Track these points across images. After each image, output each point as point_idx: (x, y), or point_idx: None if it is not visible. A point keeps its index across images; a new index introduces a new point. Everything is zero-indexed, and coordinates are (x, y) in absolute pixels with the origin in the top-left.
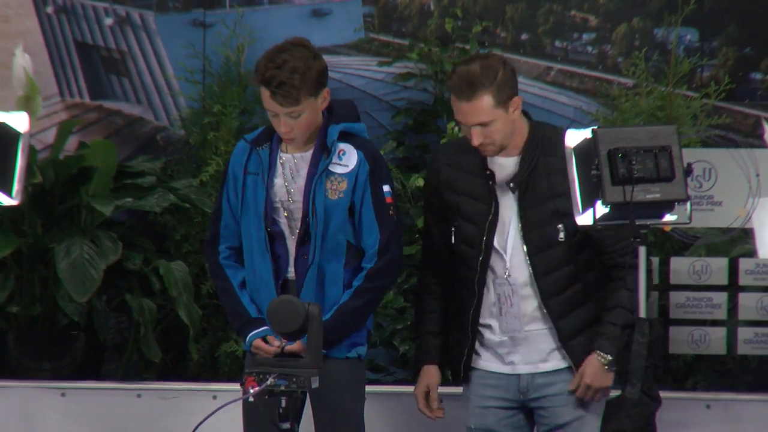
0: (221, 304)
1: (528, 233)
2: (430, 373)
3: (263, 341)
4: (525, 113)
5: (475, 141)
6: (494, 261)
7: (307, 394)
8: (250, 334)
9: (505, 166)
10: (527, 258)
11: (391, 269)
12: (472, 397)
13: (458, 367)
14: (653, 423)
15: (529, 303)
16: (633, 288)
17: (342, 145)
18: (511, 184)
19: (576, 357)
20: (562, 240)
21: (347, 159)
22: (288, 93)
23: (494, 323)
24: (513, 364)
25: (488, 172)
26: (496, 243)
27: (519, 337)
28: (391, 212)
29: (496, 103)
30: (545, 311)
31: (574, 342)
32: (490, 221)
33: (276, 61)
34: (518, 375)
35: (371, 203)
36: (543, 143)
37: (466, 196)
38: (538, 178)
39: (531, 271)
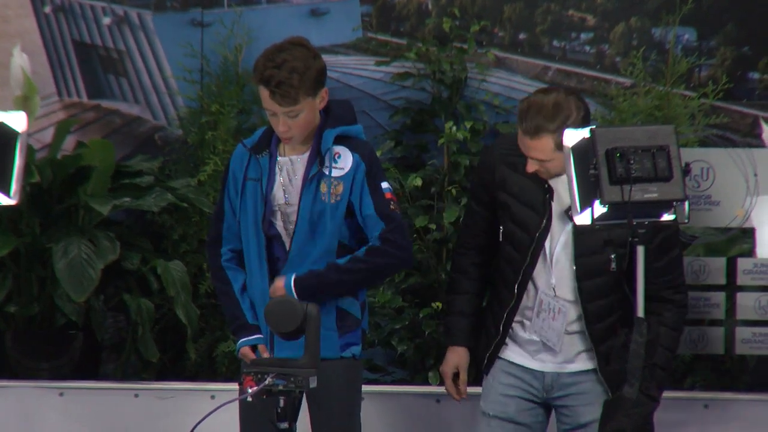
0: (220, 305)
1: (579, 257)
2: (460, 354)
3: (251, 350)
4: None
5: (530, 169)
6: (539, 271)
7: (304, 395)
8: (241, 340)
9: (563, 183)
10: (576, 281)
11: (393, 252)
12: (495, 384)
13: (483, 357)
14: (651, 422)
15: (573, 325)
16: (673, 327)
17: (337, 148)
18: (570, 212)
19: (603, 362)
20: (613, 269)
21: (343, 162)
22: (287, 93)
23: (528, 323)
24: (541, 361)
25: (547, 186)
26: (543, 255)
27: (552, 346)
28: (392, 207)
29: (557, 146)
30: (587, 334)
31: (603, 348)
32: (541, 231)
33: (275, 61)
34: (544, 372)
35: (371, 201)
36: None
37: (519, 202)
38: None
39: (578, 295)
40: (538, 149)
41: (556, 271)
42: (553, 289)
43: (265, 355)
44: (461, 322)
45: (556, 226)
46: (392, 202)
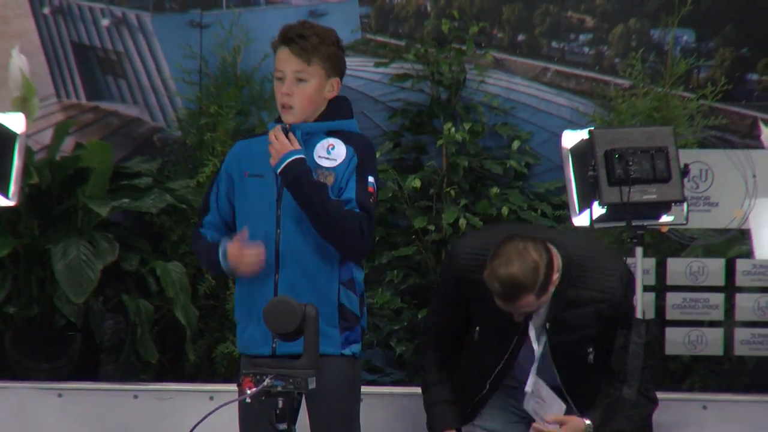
0: (198, 256)
1: (557, 356)
2: None
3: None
4: (560, 251)
5: (518, 318)
6: (520, 374)
7: (303, 395)
8: (220, 246)
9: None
10: (558, 376)
11: (360, 232)
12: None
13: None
14: (650, 424)
15: (555, 406)
16: (633, 406)
17: (331, 140)
18: (547, 325)
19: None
20: (591, 362)
21: (336, 153)
22: (304, 47)
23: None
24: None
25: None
26: (522, 358)
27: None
28: (371, 200)
29: (538, 298)
30: (573, 408)
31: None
32: (516, 340)
33: (303, 24)
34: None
35: (354, 187)
36: (573, 277)
37: (493, 315)
38: (568, 309)
39: (561, 385)
40: (521, 306)
41: (539, 370)
42: (533, 388)
43: (245, 233)
44: (443, 409)
45: (534, 329)
46: (372, 197)
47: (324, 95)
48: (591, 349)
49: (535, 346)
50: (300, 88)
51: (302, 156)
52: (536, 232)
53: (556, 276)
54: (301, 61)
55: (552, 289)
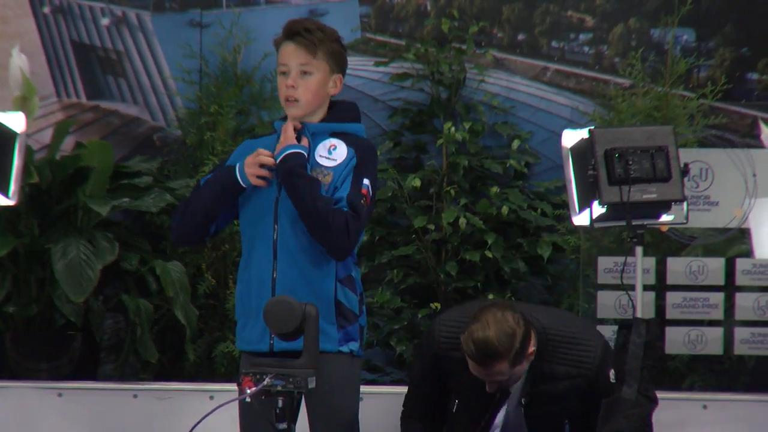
0: (203, 194)
1: (533, 428)
2: None
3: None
4: (535, 325)
5: (490, 388)
6: None
7: (303, 394)
8: (237, 168)
9: (509, 392)
10: None
11: (346, 231)
12: None
13: None
14: (650, 423)
15: None
16: None
17: (334, 141)
18: (523, 400)
19: None
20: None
21: (337, 154)
22: (310, 40)
23: None
24: None
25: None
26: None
27: None
28: (363, 202)
29: (513, 366)
30: None
31: None
32: (489, 415)
33: (307, 19)
34: None
35: (348, 187)
36: (548, 349)
37: (469, 394)
38: (544, 382)
39: None
40: (494, 373)
41: None
42: None
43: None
44: None
45: (510, 402)
46: (364, 198)
47: (327, 91)
48: (566, 422)
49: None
50: (305, 80)
51: (301, 151)
52: (515, 306)
53: (532, 349)
54: (306, 54)
55: (527, 362)
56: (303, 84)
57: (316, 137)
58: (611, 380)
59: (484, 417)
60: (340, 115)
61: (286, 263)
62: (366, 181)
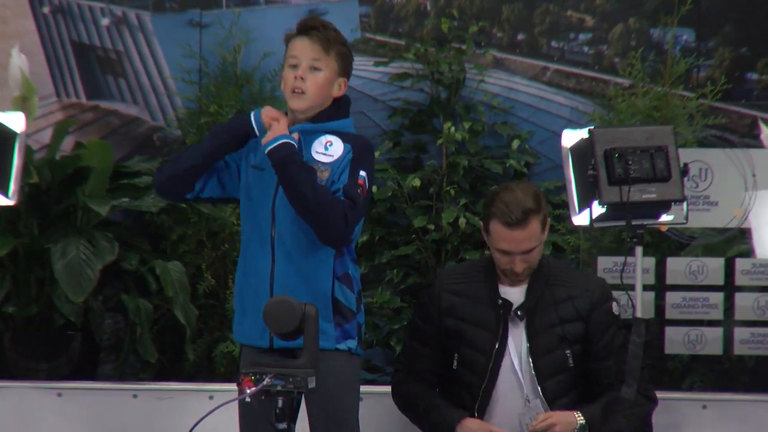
0: (205, 140)
1: (537, 359)
2: (471, 422)
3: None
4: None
5: (519, 268)
6: (504, 389)
7: (302, 394)
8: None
9: (510, 294)
10: (538, 384)
11: (343, 217)
12: None
13: None
14: (649, 423)
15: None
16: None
17: (330, 137)
18: (519, 312)
19: None
20: (572, 366)
21: (333, 150)
22: (326, 37)
23: None
24: None
25: (500, 302)
26: (509, 372)
27: None
28: (359, 191)
29: (541, 227)
30: None
31: None
32: (497, 350)
33: (323, 19)
34: None
35: (346, 179)
36: (549, 274)
37: (471, 325)
38: (546, 306)
39: (542, 396)
40: (527, 237)
41: (524, 383)
42: (527, 399)
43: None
44: (446, 407)
45: (514, 338)
46: (361, 189)
47: (332, 92)
48: (569, 352)
49: (513, 350)
50: (314, 75)
51: (293, 142)
52: None
53: (546, 232)
54: (320, 49)
55: (544, 237)
56: (312, 78)
57: (310, 135)
58: (614, 311)
59: (489, 354)
60: (332, 112)
61: (283, 260)
62: (362, 173)
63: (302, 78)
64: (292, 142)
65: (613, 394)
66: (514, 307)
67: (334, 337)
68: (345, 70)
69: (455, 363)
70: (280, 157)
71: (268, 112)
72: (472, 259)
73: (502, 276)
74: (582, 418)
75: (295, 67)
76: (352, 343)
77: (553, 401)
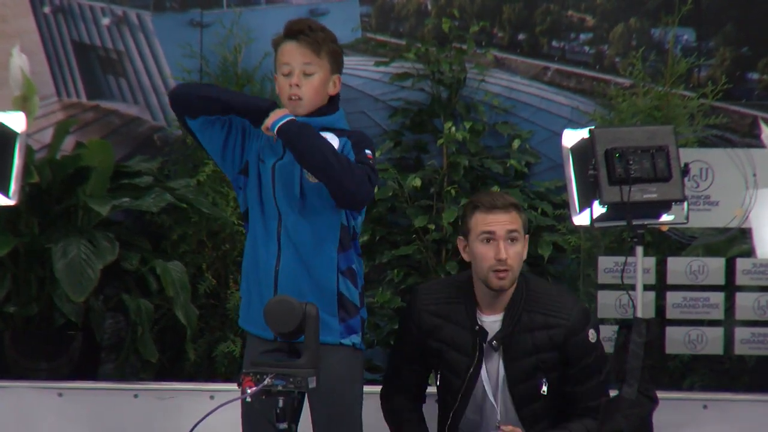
0: (228, 90)
1: (513, 388)
2: None
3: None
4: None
5: (502, 253)
6: (475, 414)
7: (305, 394)
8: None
9: (488, 324)
10: (516, 411)
11: (364, 181)
12: None
13: None
14: (650, 423)
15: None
16: None
17: (324, 134)
18: (494, 343)
19: None
20: (545, 393)
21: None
22: (314, 40)
23: None
24: None
25: (477, 328)
26: (478, 397)
27: None
28: (371, 162)
29: (522, 224)
30: None
31: None
32: (470, 375)
33: (307, 19)
34: None
35: (353, 156)
36: (528, 298)
37: (450, 347)
38: (521, 332)
39: (521, 424)
40: (510, 221)
41: (500, 409)
42: (499, 424)
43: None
44: (414, 426)
45: (491, 364)
46: (371, 161)
47: (328, 91)
48: (545, 380)
49: (485, 375)
50: (308, 80)
51: (289, 119)
52: None
53: (526, 241)
54: (310, 53)
55: (524, 251)
56: (307, 83)
57: None
58: (591, 340)
59: (465, 374)
60: (322, 110)
61: (289, 254)
62: (368, 151)
63: (297, 85)
64: (294, 118)
65: (587, 422)
66: (490, 336)
67: (339, 332)
68: (337, 67)
69: (438, 382)
70: (292, 129)
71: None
72: (448, 276)
73: (486, 283)
74: None
75: (288, 75)
76: (356, 338)
77: (529, 427)
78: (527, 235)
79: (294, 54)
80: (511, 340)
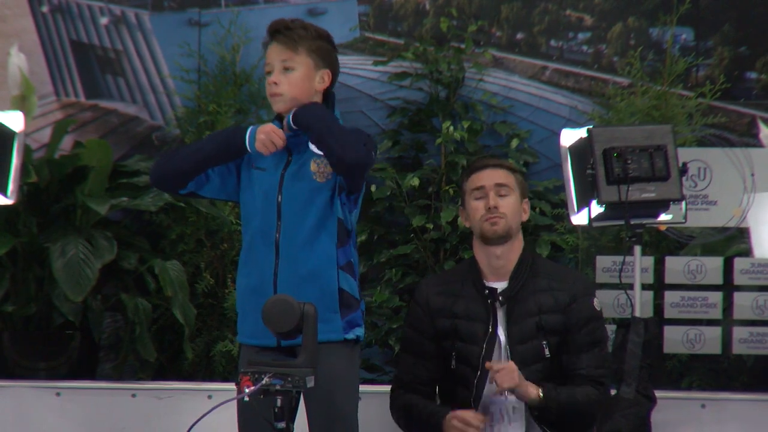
0: (203, 143)
1: (513, 347)
2: (455, 413)
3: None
4: (526, 241)
5: (491, 201)
6: (490, 378)
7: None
8: (249, 129)
9: (496, 288)
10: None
11: (368, 149)
12: None
13: None
14: (648, 422)
15: (518, 416)
16: (585, 395)
17: None
18: (500, 299)
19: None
20: (548, 356)
21: None
22: (289, 37)
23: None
24: None
25: (487, 291)
26: (495, 359)
27: None
28: (369, 137)
29: (515, 185)
30: (532, 421)
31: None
32: (489, 338)
33: (289, 19)
34: None
35: None
36: (533, 266)
37: (463, 319)
38: (526, 295)
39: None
40: (501, 176)
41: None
42: (505, 395)
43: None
44: (435, 408)
45: (499, 328)
46: (370, 137)
47: (315, 86)
48: (545, 342)
49: (502, 337)
50: (287, 76)
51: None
52: None
53: (526, 213)
54: (287, 50)
55: (524, 207)
56: (285, 79)
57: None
58: (596, 307)
59: (482, 342)
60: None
61: (288, 260)
62: (374, 145)
63: (275, 83)
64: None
65: (585, 389)
66: (498, 291)
67: (341, 328)
68: (325, 61)
69: (453, 362)
70: (306, 112)
71: (265, 138)
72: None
73: (482, 236)
74: (541, 393)
75: (270, 73)
76: (359, 331)
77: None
78: (527, 199)
79: (272, 53)
80: (516, 299)
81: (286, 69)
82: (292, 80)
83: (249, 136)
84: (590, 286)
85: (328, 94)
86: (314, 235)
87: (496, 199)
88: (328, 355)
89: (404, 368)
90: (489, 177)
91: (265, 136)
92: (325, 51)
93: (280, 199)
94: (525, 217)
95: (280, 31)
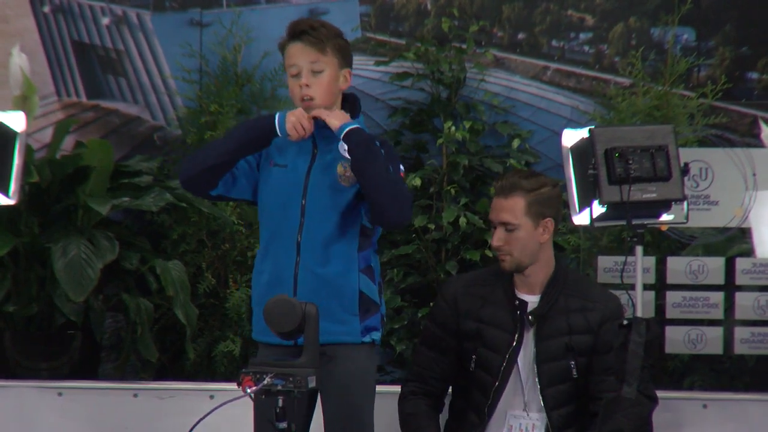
0: (228, 137)
1: (541, 365)
2: None
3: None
4: (557, 256)
5: (495, 241)
6: (510, 391)
7: (319, 390)
8: (278, 113)
9: (527, 302)
10: (539, 391)
11: (407, 190)
12: None
13: None
14: (650, 423)
15: None
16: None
17: None
18: (530, 317)
19: None
20: (575, 377)
21: None
22: (317, 37)
23: None
24: None
25: (517, 302)
26: (515, 374)
27: None
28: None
29: (527, 210)
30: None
31: None
32: (512, 350)
33: (309, 18)
34: None
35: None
36: (566, 283)
37: (489, 326)
38: (557, 313)
39: (542, 404)
40: (507, 209)
41: (526, 388)
42: (525, 405)
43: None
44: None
45: (527, 342)
46: (403, 180)
47: (339, 86)
48: (573, 363)
49: (527, 352)
50: (317, 78)
51: (351, 127)
52: None
53: (550, 224)
54: (315, 51)
55: (542, 230)
56: (316, 82)
57: (330, 138)
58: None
59: (502, 362)
60: (349, 111)
61: (309, 261)
62: (401, 167)
63: (307, 85)
64: (360, 127)
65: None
66: (528, 309)
67: (359, 331)
68: (345, 61)
69: (472, 364)
70: (360, 138)
71: (295, 121)
72: (479, 268)
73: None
74: None
75: (297, 76)
76: (376, 335)
77: (552, 409)
78: (549, 219)
79: (299, 54)
80: (546, 318)
81: (315, 72)
82: (323, 83)
83: (279, 119)
84: (620, 308)
85: (351, 100)
86: (336, 238)
87: (498, 238)
88: (344, 356)
89: (420, 361)
90: (497, 211)
91: (296, 119)
92: (346, 49)
93: (304, 202)
94: (534, 238)
95: (305, 32)
